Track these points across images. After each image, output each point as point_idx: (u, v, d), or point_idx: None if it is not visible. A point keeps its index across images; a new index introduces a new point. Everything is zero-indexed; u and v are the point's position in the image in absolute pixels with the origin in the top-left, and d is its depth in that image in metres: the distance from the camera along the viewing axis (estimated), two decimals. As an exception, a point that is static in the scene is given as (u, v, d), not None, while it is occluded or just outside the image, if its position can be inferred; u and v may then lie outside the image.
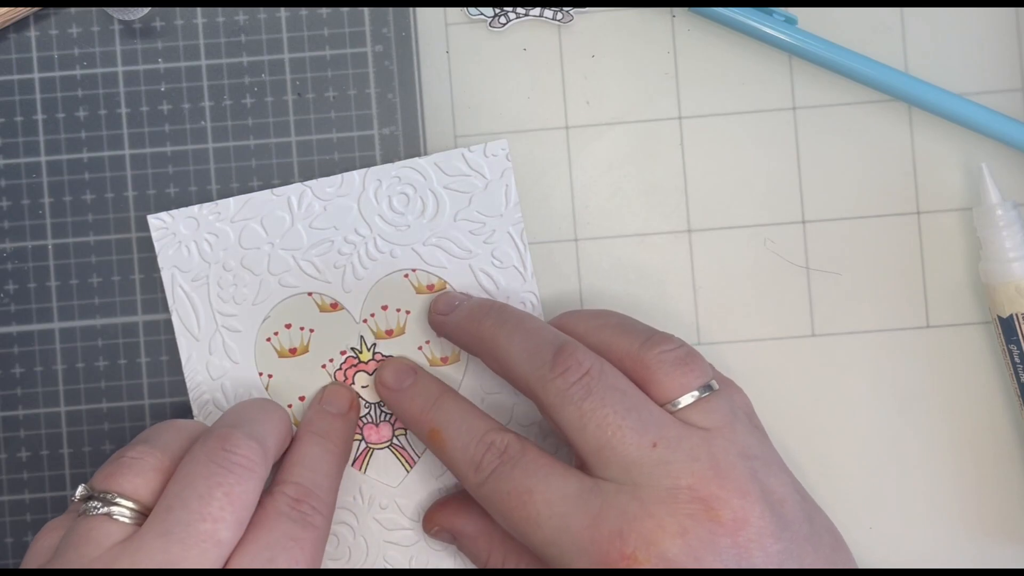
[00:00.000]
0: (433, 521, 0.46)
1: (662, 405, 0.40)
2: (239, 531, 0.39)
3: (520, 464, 0.40)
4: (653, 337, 0.41)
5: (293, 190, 0.47)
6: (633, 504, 0.38)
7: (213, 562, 0.37)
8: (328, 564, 0.46)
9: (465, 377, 0.47)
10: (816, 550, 0.39)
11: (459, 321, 0.44)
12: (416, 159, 0.47)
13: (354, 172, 0.47)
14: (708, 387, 0.40)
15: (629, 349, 0.41)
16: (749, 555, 0.37)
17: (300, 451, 0.44)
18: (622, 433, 0.38)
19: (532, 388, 0.41)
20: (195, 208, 0.47)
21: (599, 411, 0.39)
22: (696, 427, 0.39)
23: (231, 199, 0.47)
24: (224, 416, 0.43)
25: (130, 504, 0.39)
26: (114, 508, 0.39)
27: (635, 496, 0.38)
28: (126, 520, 0.39)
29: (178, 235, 0.47)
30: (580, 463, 0.40)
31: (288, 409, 0.46)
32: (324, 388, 0.47)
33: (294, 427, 0.46)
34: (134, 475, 0.39)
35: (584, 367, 0.40)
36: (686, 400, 0.40)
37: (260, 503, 0.40)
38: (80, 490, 0.40)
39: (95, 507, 0.39)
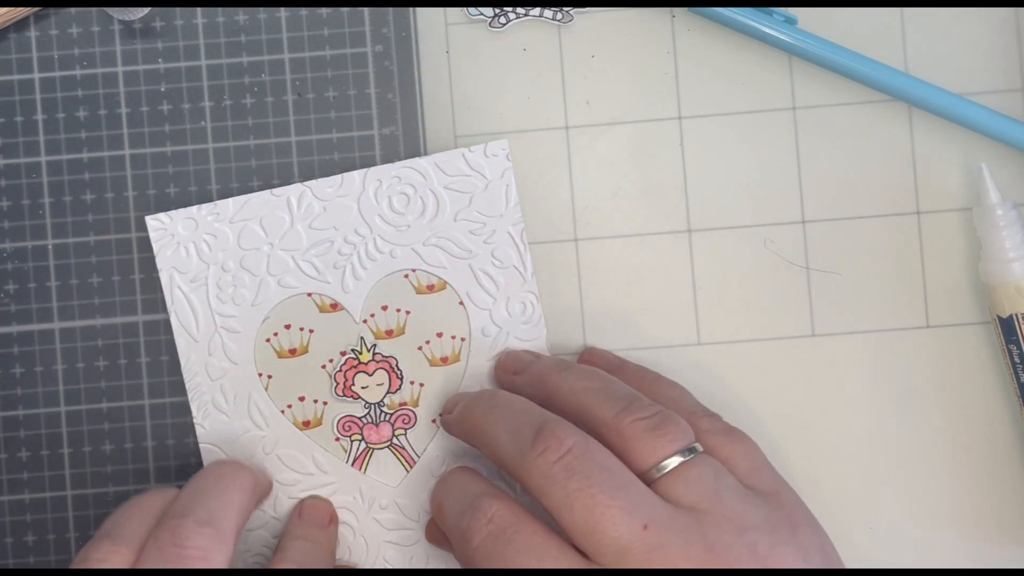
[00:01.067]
0: (434, 534, 0.46)
1: (643, 473, 0.39)
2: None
3: (513, 543, 0.38)
4: (629, 406, 0.40)
5: (293, 190, 0.47)
6: None
7: None
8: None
9: (465, 378, 0.47)
10: None
11: (456, 417, 0.44)
12: (416, 159, 0.47)
13: (354, 172, 0.47)
14: (691, 450, 0.39)
15: (605, 417, 0.40)
16: None
17: (289, 555, 0.44)
18: (611, 514, 0.37)
19: (516, 470, 0.40)
20: (193, 209, 0.47)
21: (585, 491, 0.38)
22: (683, 505, 0.38)
23: (230, 200, 0.47)
24: (181, 494, 0.42)
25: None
26: None
27: None
28: None
29: (176, 236, 0.47)
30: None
31: (249, 467, 0.45)
32: (302, 501, 0.47)
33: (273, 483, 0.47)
34: (110, 545, 0.40)
35: (566, 445, 0.39)
36: (669, 465, 0.39)
37: None
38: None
39: None
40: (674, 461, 0.39)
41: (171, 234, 0.47)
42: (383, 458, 0.47)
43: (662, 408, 0.40)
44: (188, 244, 0.47)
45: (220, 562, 0.39)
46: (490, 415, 0.42)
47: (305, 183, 0.47)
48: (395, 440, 0.47)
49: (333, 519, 0.46)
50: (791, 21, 0.46)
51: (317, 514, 0.46)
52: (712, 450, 0.41)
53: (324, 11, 0.47)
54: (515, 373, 0.45)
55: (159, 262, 0.47)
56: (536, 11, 0.47)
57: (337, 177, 0.47)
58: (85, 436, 0.47)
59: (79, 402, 0.47)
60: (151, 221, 0.47)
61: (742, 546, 0.37)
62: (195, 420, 0.47)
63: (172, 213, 0.47)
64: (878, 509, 0.47)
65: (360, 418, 0.47)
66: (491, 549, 0.38)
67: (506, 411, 0.41)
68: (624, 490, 0.38)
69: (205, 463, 0.46)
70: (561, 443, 0.39)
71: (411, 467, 0.47)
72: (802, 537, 0.39)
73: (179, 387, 0.47)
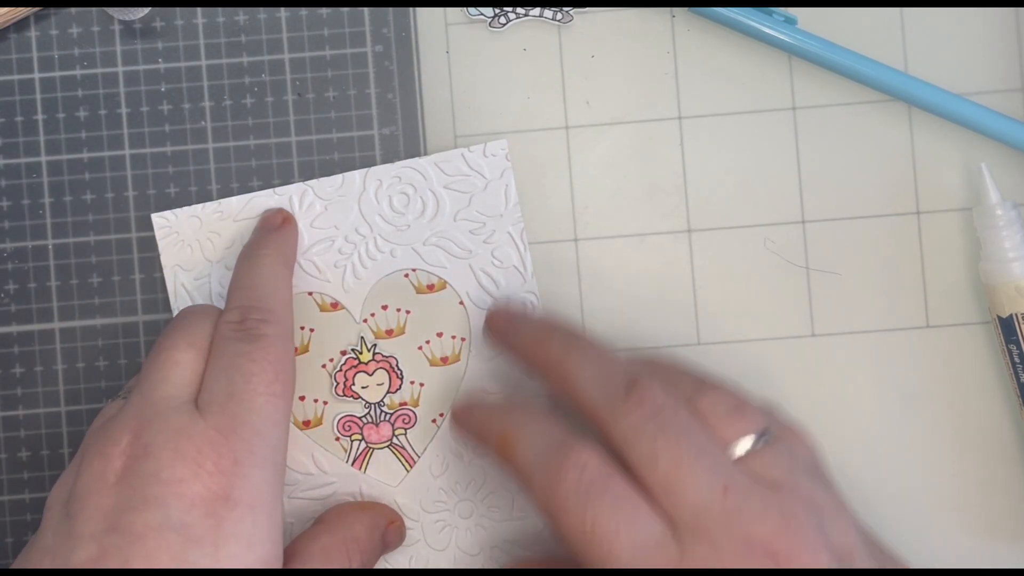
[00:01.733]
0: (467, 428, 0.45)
1: (723, 450, 0.39)
2: (193, 353, 0.41)
3: (608, 493, 0.38)
4: (704, 384, 0.40)
5: (295, 190, 0.47)
6: (710, 556, 0.36)
7: (185, 380, 0.40)
8: (328, 564, 0.47)
9: (465, 378, 0.47)
10: None
11: (524, 342, 0.44)
12: (416, 159, 0.47)
13: (355, 172, 0.47)
14: (765, 433, 0.39)
15: (685, 393, 0.40)
16: None
17: (234, 276, 0.45)
18: (695, 472, 0.37)
19: (602, 418, 0.39)
20: (198, 207, 0.47)
21: (673, 449, 0.37)
22: (760, 477, 0.38)
23: (234, 198, 0.47)
24: (229, 294, 0.45)
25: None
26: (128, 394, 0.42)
27: (712, 548, 0.36)
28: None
29: (181, 234, 0.47)
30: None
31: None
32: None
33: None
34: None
35: (659, 402, 0.39)
36: (742, 448, 0.39)
37: (212, 341, 0.42)
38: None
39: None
40: (750, 442, 0.39)
41: (176, 232, 0.47)
42: (383, 458, 0.47)
43: (736, 391, 0.40)
44: (193, 242, 0.47)
45: (272, 332, 0.42)
46: (571, 354, 0.41)
47: (307, 182, 0.47)
48: (395, 440, 0.47)
49: (287, 219, 0.46)
50: (791, 21, 0.46)
51: (271, 218, 0.47)
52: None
53: (324, 11, 0.47)
54: (504, 331, 0.45)
55: (163, 259, 0.47)
56: (536, 11, 0.47)
57: (338, 177, 0.47)
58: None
59: (79, 402, 0.47)
60: (157, 219, 0.47)
61: (812, 521, 0.37)
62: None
63: (177, 211, 0.47)
64: (878, 509, 0.47)
65: (360, 418, 0.47)
66: (584, 497, 0.38)
67: (589, 354, 0.41)
68: (708, 454, 0.38)
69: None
70: (655, 400, 0.39)
71: (411, 467, 0.47)
72: (857, 526, 0.40)
73: (179, 387, 0.47)
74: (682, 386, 0.40)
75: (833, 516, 0.38)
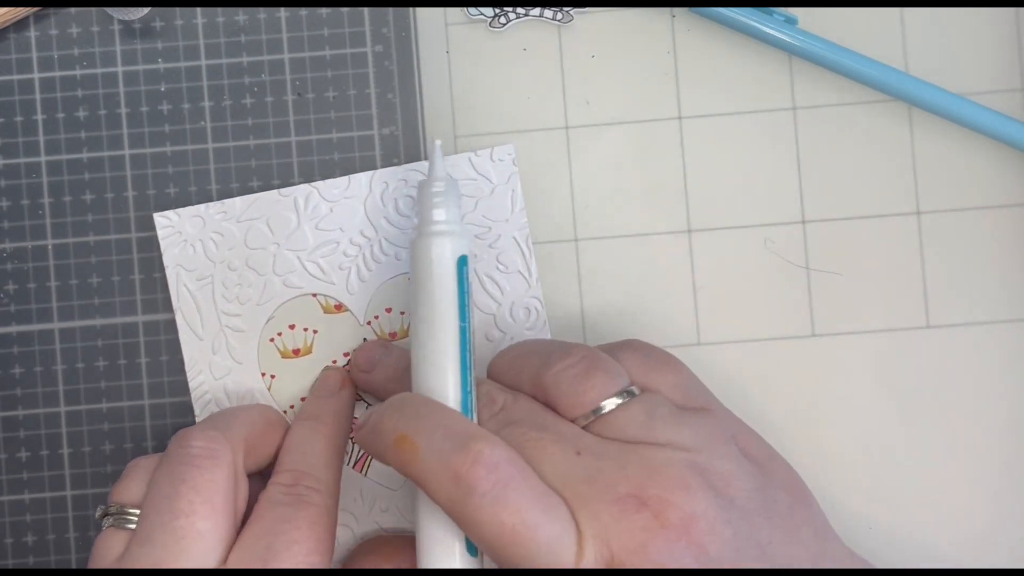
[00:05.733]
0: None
1: (573, 422, 0.39)
2: (220, 520, 0.39)
3: (523, 493, 0.37)
4: (551, 356, 0.40)
5: (300, 191, 0.47)
6: (595, 525, 0.36)
7: (201, 556, 0.38)
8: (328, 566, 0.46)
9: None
10: (770, 519, 0.38)
11: (370, 427, 0.41)
12: (423, 162, 0.47)
13: (361, 174, 0.47)
14: (626, 392, 0.39)
15: (532, 374, 0.40)
16: (705, 550, 0.36)
17: (290, 439, 0.44)
18: (543, 445, 0.38)
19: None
20: (201, 207, 0.47)
21: (515, 432, 0.38)
22: (616, 437, 0.38)
23: (237, 199, 0.47)
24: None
25: (133, 511, 0.40)
26: (120, 518, 0.40)
27: (593, 516, 0.36)
28: (132, 527, 0.40)
29: (184, 234, 0.47)
30: None
31: (273, 407, 0.46)
32: (320, 373, 0.47)
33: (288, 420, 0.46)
34: (128, 481, 0.41)
35: (498, 403, 0.40)
36: (598, 412, 0.39)
37: (258, 500, 0.41)
38: (99, 509, 0.42)
39: (107, 521, 0.41)
40: (609, 405, 0.39)
41: (178, 231, 0.47)
42: (385, 459, 0.47)
43: (591, 353, 0.40)
44: (195, 242, 0.47)
45: (225, 464, 0.40)
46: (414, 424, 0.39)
47: (312, 184, 0.47)
48: (397, 441, 0.47)
49: (344, 383, 0.46)
50: (791, 21, 0.46)
51: (328, 383, 0.46)
52: (642, 386, 0.41)
53: (324, 11, 0.47)
54: (367, 371, 0.45)
55: (166, 259, 0.47)
56: (536, 11, 0.47)
57: (344, 179, 0.47)
58: (85, 436, 0.47)
59: (79, 402, 0.47)
60: (159, 219, 0.47)
61: (679, 460, 0.37)
62: (197, 418, 0.46)
63: (180, 211, 0.47)
64: (878, 509, 0.47)
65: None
66: (499, 500, 0.36)
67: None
68: (549, 427, 0.38)
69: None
70: (494, 401, 0.40)
71: (413, 468, 0.47)
72: (742, 443, 0.40)
73: (179, 387, 0.47)
74: (533, 361, 0.40)
75: (705, 445, 0.38)
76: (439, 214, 0.42)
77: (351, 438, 0.46)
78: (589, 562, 0.36)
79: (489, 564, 0.40)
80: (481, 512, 0.36)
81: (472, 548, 0.39)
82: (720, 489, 0.37)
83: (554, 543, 0.36)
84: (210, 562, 0.38)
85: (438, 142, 0.43)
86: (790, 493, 0.40)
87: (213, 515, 0.39)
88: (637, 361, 0.41)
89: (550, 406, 0.40)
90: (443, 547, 0.39)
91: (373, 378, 0.45)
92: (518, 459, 0.37)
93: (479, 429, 0.38)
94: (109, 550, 0.40)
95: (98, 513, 0.41)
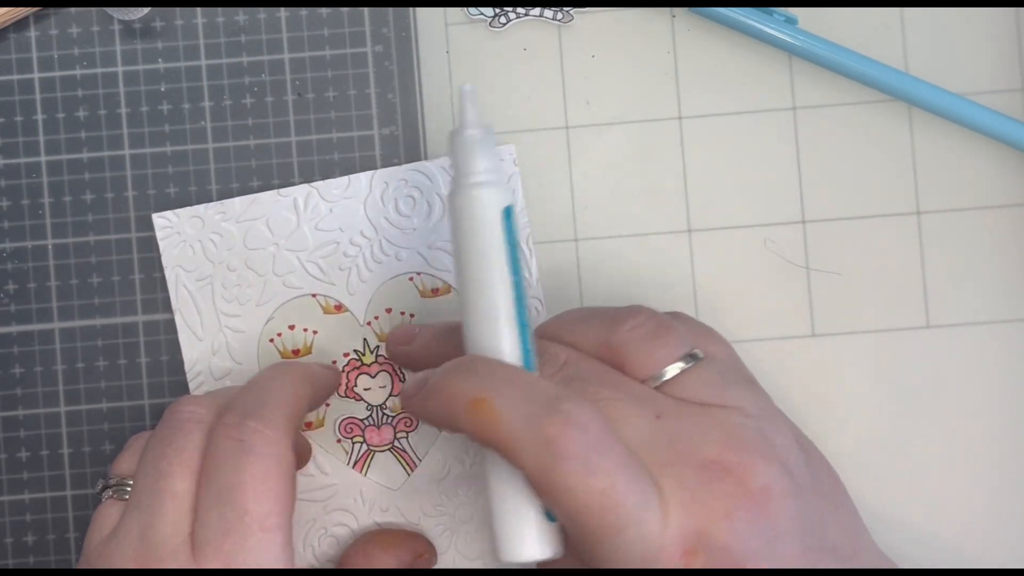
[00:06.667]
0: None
1: (643, 382, 0.38)
2: (190, 481, 0.39)
3: (611, 457, 0.35)
4: (618, 315, 0.39)
5: (299, 191, 0.47)
6: (682, 493, 0.35)
7: (181, 515, 0.38)
8: (329, 566, 0.46)
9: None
10: (821, 497, 0.38)
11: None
12: (423, 162, 0.47)
13: (361, 174, 0.47)
14: (692, 356, 0.38)
15: (597, 337, 0.39)
16: (777, 522, 0.35)
17: (252, 380, 0.42)
18: (619, 406, 0.36)
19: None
20: (200, 207, 0.47)
21: (586, 389, 0.37)
22: (690, 399, 0.37)
23: (237, 199, 0.47)
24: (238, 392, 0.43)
25: (131, 481, 0.41)
26: (120, 489, 0.41)
27: (679, 481, 0.35)
28: (128, 498, 0.40)
29: (183, 234, 0.47)
30: None
31: (306, 363, 0.46)
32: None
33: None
34: (128, 454, 0.42)
35: (560, 359, 0.38)
36: (670, 373, 0.38)
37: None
38: (99, 483, 0.42)
39: (107, 493, 0.41)
40: (675, 368, 0.38)
41: (178, 232, 0.47)
42: (384, 461, 0.47)
43: (657, 314, 0.39)
44: (195, 243, 0.47)
45: (269, 452, 0.38)
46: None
47: (312, 184, 0.47)
48: (397, 443, 0.47)
49: (333, 370, 0.46)
50: (791, 21, 0.46)
51: (316, 366, 0.45)
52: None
53: (324, 11, 0.47)
54: (406, 343, 0.45)
55: (165, 260, 0.47)
56: (536, 11, 0.47)
57: (344, 179, 0.47)
58: (85, 436, 0.47)
59: (79, 402, 0.47)
60: (158, 219, 0.47)
61: (752, 429, 0.37)
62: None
63: (179, 211, 0.47)
64: (878, 509, 0.47)
65: (362, 420, 0.47)
66: (592, 465, 0.35)
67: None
68: (623, 386, 0.37)
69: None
70: (556, 357, 0.38)
71: (412, 470, 0.47)
72: (788, 424, 0.40)
73: (179, 387, 0.47)
74: (596, 324, 0.39)
75: (767, 418, 0.38)
76: (479, 164, 0.40)
77: (402, 408, 0.45)
78: (672, 529, 0.35)
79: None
80: (570, 477, 0.35)
81: (550, 514, 0.37)
82: (785, 463, 0.37)
83: (641, 510, 0.35)
84: (185, 524, 0.38)
85: (469, 86, 0.41)
86: (829, 476, 0.40)
87: (190, 476, 0.39)
88: (690, 328, 0.40)
89: (617, 367, 0.38)
90: (520, 514, 0.37)
91: (412, 350, 0.44)
92: (604, 420, 0.36)
93: (561, 388, 0.36)
94: (107, 519, 0.40)
95: (98, 487, 0.41)
